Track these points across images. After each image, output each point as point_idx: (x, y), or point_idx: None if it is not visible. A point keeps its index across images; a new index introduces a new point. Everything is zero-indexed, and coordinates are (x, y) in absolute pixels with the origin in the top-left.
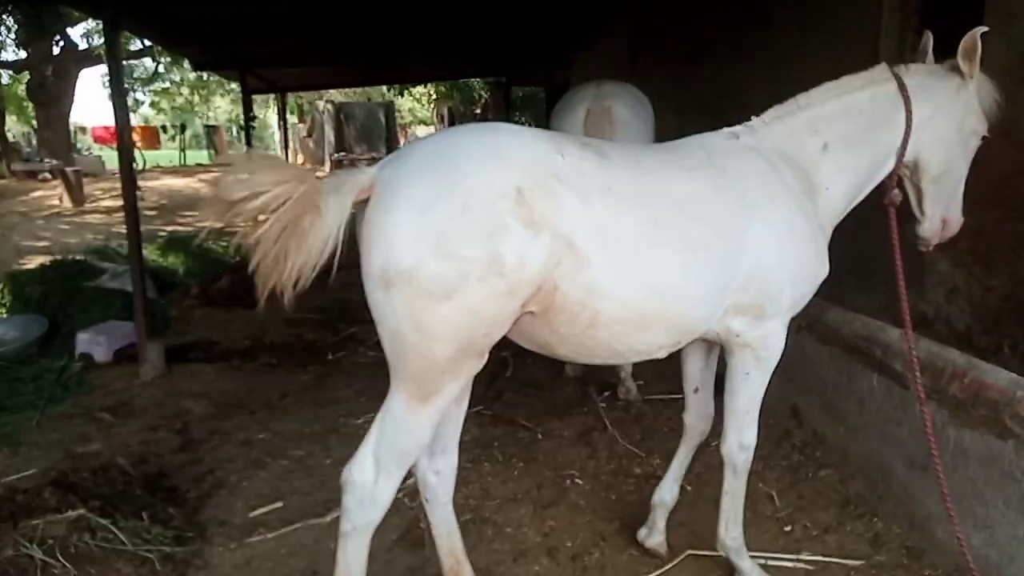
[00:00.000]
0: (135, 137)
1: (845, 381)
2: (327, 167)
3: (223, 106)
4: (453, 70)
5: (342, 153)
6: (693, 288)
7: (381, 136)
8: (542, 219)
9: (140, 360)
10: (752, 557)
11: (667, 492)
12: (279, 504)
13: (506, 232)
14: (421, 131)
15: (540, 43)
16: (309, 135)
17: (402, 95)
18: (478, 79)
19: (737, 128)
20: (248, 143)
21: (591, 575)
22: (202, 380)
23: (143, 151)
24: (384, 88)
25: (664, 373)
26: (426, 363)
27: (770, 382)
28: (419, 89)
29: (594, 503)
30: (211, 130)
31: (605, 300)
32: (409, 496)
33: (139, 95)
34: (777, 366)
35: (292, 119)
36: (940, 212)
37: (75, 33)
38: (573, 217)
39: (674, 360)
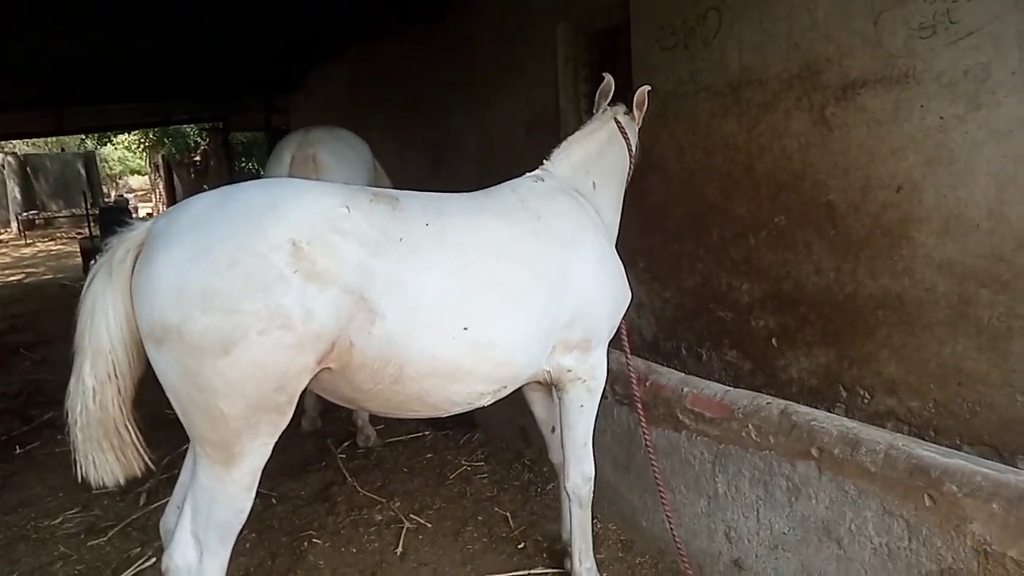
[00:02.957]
0: None
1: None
2: (14, 227)
3: None
4: (160, 116)
5: (33, 212)
6: (516, 334)
7: (81, 190)
8: (326, 272)
9: None
10: None
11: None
12: None
13: (286, 284)
14: (135, 181)
15: (254, 85)
16: None
17: (105, 144)
18: (192, 125)
19: (536, 172)
20: None
21: None
22: None
23: None
24: (87, 137)
25: None
26: (216, 422)
27: (496, 409)
28: (126, 137)
29: (334, 561)
30: None
31: (407, 354)
32: None
33: None
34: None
35: None
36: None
37: None
38: (361, 270)
39: None
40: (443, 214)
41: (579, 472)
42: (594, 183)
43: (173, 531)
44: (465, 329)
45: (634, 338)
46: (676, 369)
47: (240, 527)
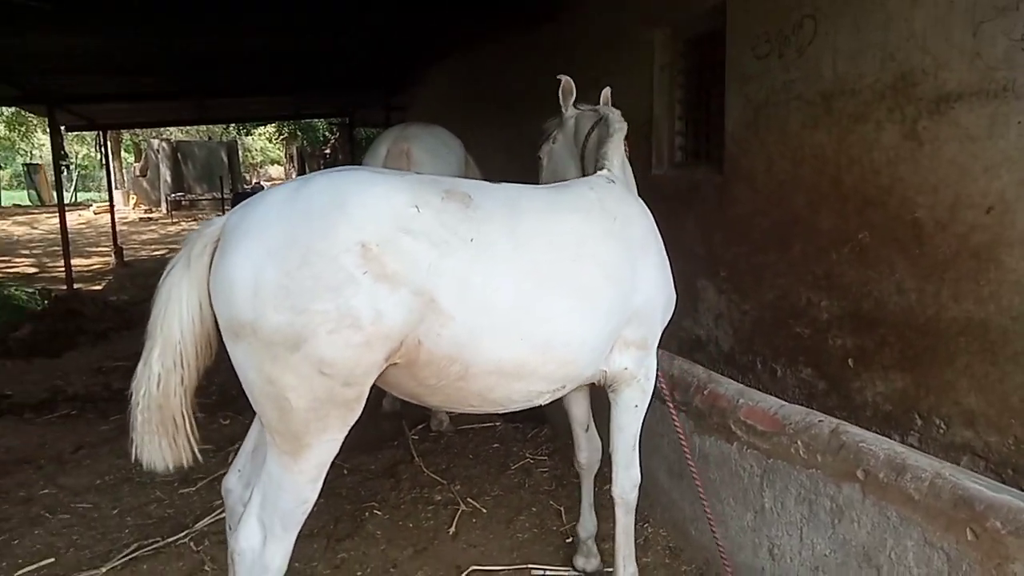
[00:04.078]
0: None
1: None
2: (163, 207)
3: (48, 143)
4: (291, 109)
5: (180, 193)
6: (585, 335)
7: (223, 175)
8: (396, 275)
9: None
10: (531, 570)
11: (588, 522)
12: (50, 560)
13: (356, 286)
14: (274, 170)
15: (376, 83)
16: (143, 175)
17: (248, 135)
18: (322, 120)
19: (605, 172)
20: (59, 182)
21: None
22: None
23: None
24: (230, 126)
25: None
26: (285, 414)
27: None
28: (267, 129)
29: (390, 532)
30: (32, 169)
31: (475, 353)
32: (195, 540)
33: None
34: None
35: (129, 158)
36: None
37: None
38: (431, 272)
39: None
40: (517, 211)
41: (628, 477)
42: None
43: (234, 491)
44: (535, 330)
45: (711, 349)
46: (751, 385)
47: (304, 517)
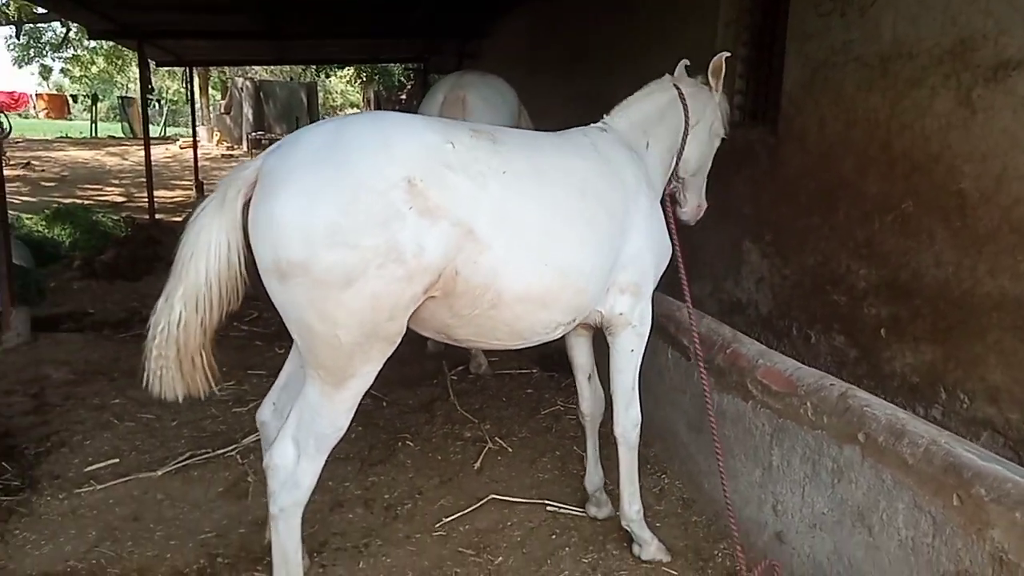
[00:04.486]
0: (42, 105)
1: (650, 354)
2: (244, 145)
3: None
4: (368, 53)
5: (260, 132)
6: (590, 264)
7: (302, 117)
8: (438, 208)
9: (4, 327)
10: (544, 505)
11: (593, 475)
12: (115, 460)
13: (402, 221)
14: (352, 112)
15: (450, 31)
16: (227, 112)
17: (327, 77)
18: (398, 65)
19: (600, 123)
20: (144, 115)
21: (400, 522)
22: (68, 349)
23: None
24: (312, 68)
25: (520, 351)
26: (333, 350)
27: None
28: (346, 72)
29: (419, 462)
30: (126, 102)
31: (508, 280)
32: (241, 454)
33: (47, 61)
34: None
35: (217, 95)
36: (696, 199)
37: None
38: (470, 204)
39: None
40: (537, 150)
41: (628, 416)
42: (648, 143)
43: (268, 423)
44: (557, 257)
45: (750, 312)
46: (785, 351)
47: (337, 440)
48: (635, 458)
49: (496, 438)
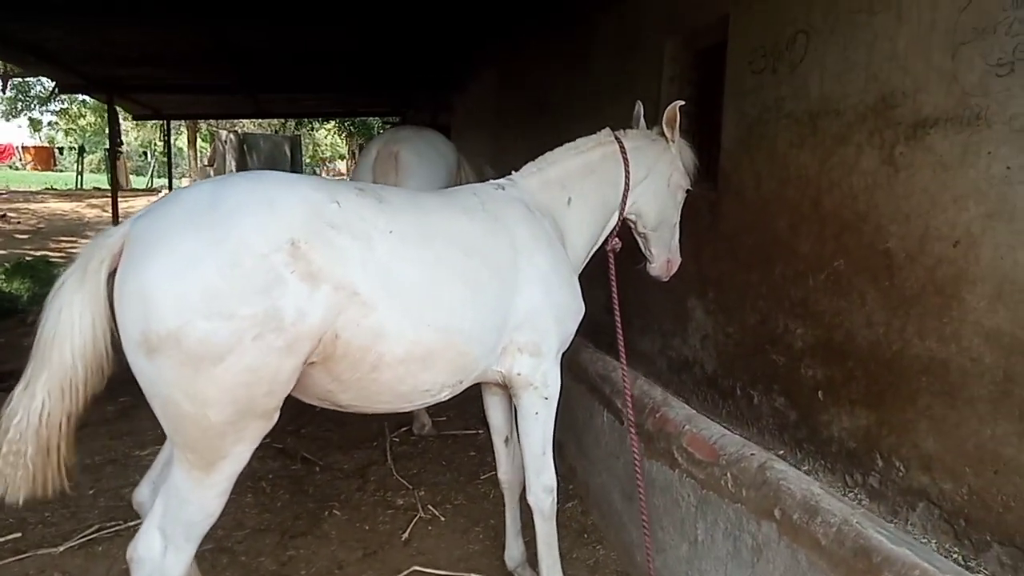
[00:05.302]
0: (28, 157)
1: (588, 417)
2: None
3: (131, 132)
4: (345, 107)
5: None
6: (474, 323)
7: (286, 169)
8: (320, 271)
9: None
10: None
11: (513, 550)
12: (17, 535)
13: (283, 286)
14: (343, 165)
15: (424, 84)
16: (210, 164)
17: (314, 129)
18: (377, 118)
19: (500, 180)
20: (113, 168)
21: None
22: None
23: (36, 171)
24: (299, 120)
25: (468, 410)
26: (203, 431)
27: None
28: (331, 124)
29: (344, 533)
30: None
31: (391, 341)
32: None
33: (35, 114)
34: None
35: (205, 147)
36: (664, 254)
37: None
38: (355, 265)
39: (474, 398)
40: (421, 209)
41: (539, 483)
42: (569, 199)
43: (146, 504)
44: (438, 317)
45: (696, 371)
46: (730, 411)
47: (208, 528)
48: (552, 528)
49: (429, 506)
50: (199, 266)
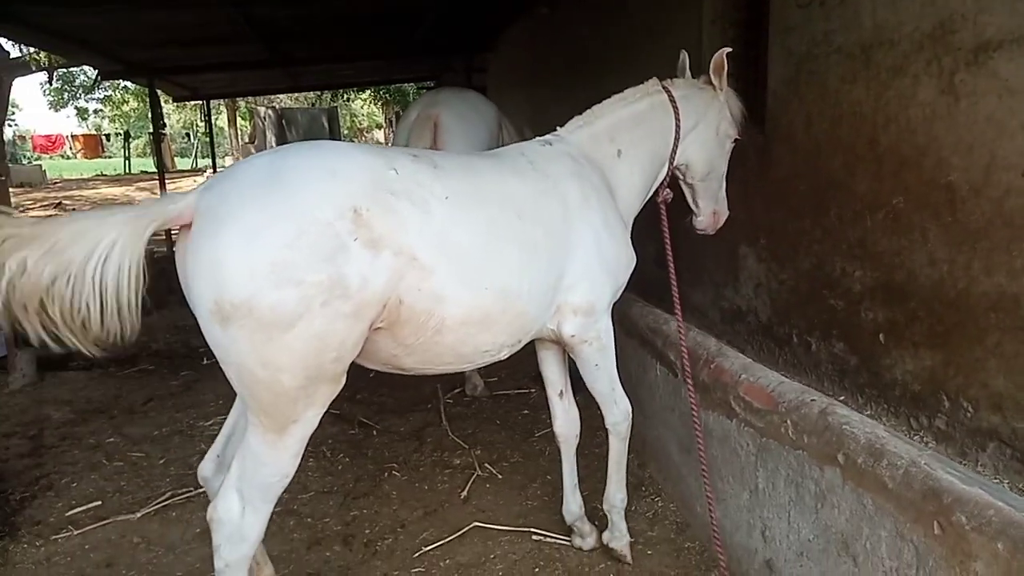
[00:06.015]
0: (78, 145)
1: (641, 372)
2: None
3: (173, 115)
4: (381, 74)
5: None
6: (531, 284)
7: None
8: (382, 238)
9: (9, 369)
10: (530, 534)
11: (571, 504)
12: (97, 503)
13: (347, 254)
14: (380, 134)
15: (458, 47)
16: (251, 141)
17: (349, 100)
18: (412, 84)
19: (548, 136)
20: (158, 150)
21: (379, 559)
22: (71, 387)
23: (86, 159)
24: (329, 93)
25: (519, 370)
26: (276, 396)
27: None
28: (367, 94)
29: (404, 493)
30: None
31: (451, 305)
32: None
33: (81, 103)
34: None
35: (245, 125)
36: (711, 205)
37: (5, 41)
38: (415, 230)
39: (525, 357)
40: (474, 173)
41: (615, 412)
42: (619, 151)
43: (210, 479)
44: (496, 280)
45: (750, 320)
46: (786, 360)
47: (283, 489)
48: (625, 448)
49: (486, 464)
50: (267, 236)
